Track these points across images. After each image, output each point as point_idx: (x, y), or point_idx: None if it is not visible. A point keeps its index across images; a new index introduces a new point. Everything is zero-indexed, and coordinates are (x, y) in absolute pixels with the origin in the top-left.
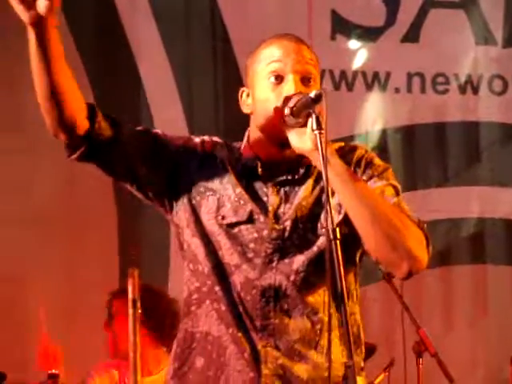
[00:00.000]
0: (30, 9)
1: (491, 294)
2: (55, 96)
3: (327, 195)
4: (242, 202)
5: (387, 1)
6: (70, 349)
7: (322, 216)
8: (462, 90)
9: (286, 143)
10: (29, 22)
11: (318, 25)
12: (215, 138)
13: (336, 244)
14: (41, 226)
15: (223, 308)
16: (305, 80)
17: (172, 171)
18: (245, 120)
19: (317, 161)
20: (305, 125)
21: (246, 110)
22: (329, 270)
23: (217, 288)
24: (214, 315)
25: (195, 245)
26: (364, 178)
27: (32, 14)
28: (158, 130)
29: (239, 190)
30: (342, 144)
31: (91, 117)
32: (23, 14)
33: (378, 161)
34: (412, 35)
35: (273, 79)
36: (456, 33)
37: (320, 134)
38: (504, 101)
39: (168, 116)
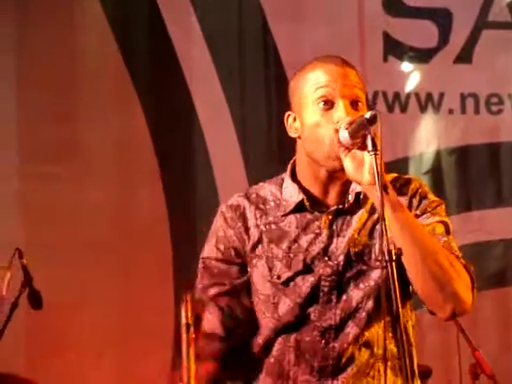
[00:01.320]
0: None
1: None
2: None
3: (383, 225)
4: (292, 254)
5: (439, 22)
6: (126, 374)
7: (377, 247)
8: None
9: (337, 169)
10: None
11: (370, 47)
12: (234, 202)
13: (392, 266)
14: (95, 252)
15: (272, 360)
16: (354, 104)
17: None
18: (297, 142)
19: (373, 194)
20: (361, 146)
21: (292, 134)
22: (384, 298)
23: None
24: (262, 376)
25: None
26: (417, 212)
27: None
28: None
29: (286, 244)
30: (396, 175)
31: None
32: None
33: (431, 196)
34: (465, 56)
35: (322, 105)
36: (509, 53)
37: (376, 155)
38: None
39: (221, 142)
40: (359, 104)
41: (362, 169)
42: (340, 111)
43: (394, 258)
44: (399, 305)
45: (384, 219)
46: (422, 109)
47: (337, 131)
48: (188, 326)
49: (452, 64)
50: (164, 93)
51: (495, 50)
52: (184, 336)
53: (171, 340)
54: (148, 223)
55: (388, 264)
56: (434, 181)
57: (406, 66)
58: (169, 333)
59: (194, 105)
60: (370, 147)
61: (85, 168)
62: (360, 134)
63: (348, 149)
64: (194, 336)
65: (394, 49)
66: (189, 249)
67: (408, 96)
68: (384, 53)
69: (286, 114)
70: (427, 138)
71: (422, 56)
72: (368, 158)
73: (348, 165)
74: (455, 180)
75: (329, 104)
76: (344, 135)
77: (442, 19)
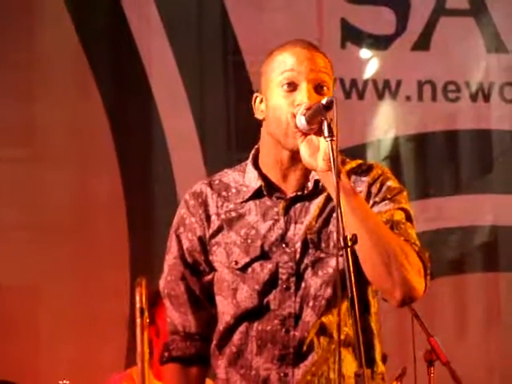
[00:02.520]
0: None
1: (504, 301)
2: None
3: (339, 210)
4: (249, 240)
5: (397, 9)
6: (81, 358)
7: (335, 235)
8: (473, 97)
9: (297, 151)
10: None
11: (328, 33)
12: (197, 189)
13: (347, 252)
14: (51, 235)
15: (234, 350)
16: (318, 88)
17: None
18: (256, 130)
19: (327, 181)
20: (318, 131)
21: (259, 115)
22: (339, 285)
23: (231, 334)
24: (224, 360)
25: (218, 302)
26: (376, 199)
27: None
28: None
29: (244, 230)
30: (359, 161)
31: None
32: None
33: (392, 183)
34: (422, 43)
35: (286, 87)
36: (467, 41)
37: (331, 141)
38: None
39: (179, 128)
40: (324, 88)
41: (317, 155)
42: (302, 94)
43: (349, 244)
44: (354, 291)
45: (340, 205)
46: (380, 96)
47: (294, 116)
48: (142, 310)
49: (410, 51)
50: (122, 79)
51: (453, 38)
52: (138, 320)
53: (127, 325)
54: (105, 207)
55: (343, 250)
56: (392, 167)
57: (364, 53)
58: (125, 318)
59: (152, 91)
60: (325, 133)
61: (42, 151)
62: (317, 119)
63: (305, 134)
64: (147, 320)
65: (352, 35)
66: (145, 233)
67: (365, 83)
68: (342, 39)
69: (254, 95)
70: (385, 124)
71: (379, 43)
72: (323, 144)
73: (304, 150)
74: (413, 167)
75: (292, 86)
76: (301, 121)
77: (400, 6)
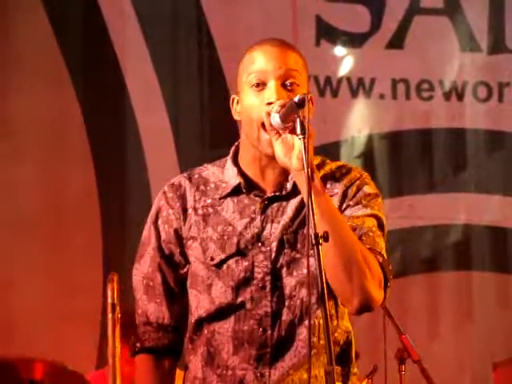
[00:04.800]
0: None
1: (476, 300)
2: None
3: (309, 211)
4: (226, 237)
5: (372, 7)
6: (54, 353)
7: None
8: (447, 96)
9: (269, 155)
10: None
11: (302, 30)
12: (176, 181)
13: (318, 250)
14: (25, 229)
15: (211, 350)
16: (286, 85)
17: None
18: (230, 127)
19: (300, 180)
20: (292, 130)
21: (236, 117)
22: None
23: (205, 332)
24: (200, 358)
25: (191, 295)
26: (351, 202)
27: None
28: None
29: (220, 227)
30: (341, 164)
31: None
32: None
33: (369, 188)
34: (397, 42)
35: (255, 87)
36: (441, 39)
37: (304, 139)
38: (489, 108)
39: (153, 124)
40: (294, 86)
41: (291, 154)
42: (270, 91)
43: (320, 242)
44: (325, 290)
45: (312, 204)
46: (354, 93)
47: (269, 114)
48: (114, 306)
49: (384, 49)
50: (96, 73)
51: (427, 36)
52: (109, 316)
53: (99, 320)
54: (79, 203)
55: (314, 247)
56: (366, 165)
57: (339, 51)
58: (97, 313)
59: (126, 86)
60: (298, 130)
61: (16, 145)
62: (291, 117)
63: (279, 133)
64: (119, 316)
65: (327, 33)
66: (119, 230)
67: (339, 80)
68: (316, 37)
69: (232, 97)
70: (359, 122)
71: (354, 41)
72: (298, 142)
73: (278, 150)
74: (387, 165)
75: (261, 86)
76: (275, 119)
77: (375, 4)
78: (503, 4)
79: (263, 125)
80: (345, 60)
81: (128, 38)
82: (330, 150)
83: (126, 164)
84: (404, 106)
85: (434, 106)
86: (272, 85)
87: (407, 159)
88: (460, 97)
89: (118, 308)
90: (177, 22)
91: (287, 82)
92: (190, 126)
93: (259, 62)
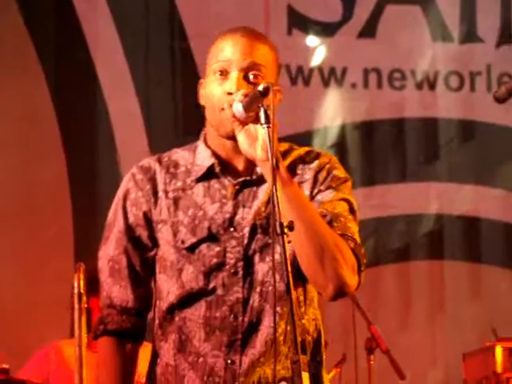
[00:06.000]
0: None
1: (448, 289)
2: None
3: (273, 199)
4: (197, 221)
5: None
6: (23, 342)
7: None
8: (419, 86)
9: (230, 137)
10: None
11: (274, 20)
12: (146, 164)
13: (283, 239)
14: None
15: (182, 337)
16: (250, 76)
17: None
18: (203, 113)
19: (266, 170)
20: (255, 119)
21: (201, 102)
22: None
23: (177, 319)
24: (172, 345)
25: (161, 280)
26: (322, 187)
27: None
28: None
29: (191, 210)
30: (309, 149)
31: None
32: None
33: (338, 172)
34: (368, 31)
35: (218, 75)
36: (412, 29)
37: (268, 128)
38: (460, 97)
39: (124, 113)
40: (258, 78)
41: (256, 144)
42: (231, 82)
43: (285, 231)
44: (290, 278)
45: (276, 192)
46: (326, 83)
47: (231, 105)
48: (80, 295)
49: (356, 38)
50: (68, 64)
51: (399, 26)
52: (76, 305)
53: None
54: (50, 192)
55: (279, 237)
56: (339, 155)
57: (310, 40)
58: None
59: (98, 76)
60: (262, 120)
61: None
62: (254, 107)
63: (242, 123)
64: (86, 305)
65: (299, 22)
66: (90, 219)
67: (311, 70)
68: (288, 26)
69: (200, 81)
70: (331, 112)
71: (326, 30)
72: (262, 133)
73: (242, 140)
74: (359, 154)
75: (224, 74)
76: (238, 108)
77: None
78: None
79: (223, 109)
80: (316, 49)
81: (99, 27)
82: (302, 140)
83: (97, 152)
84: (376, 95)
85: (406, 95)
86: (234, 76)
87: (379, 149)
88: (432, 86)
89: (84, 297)
90: (148, 10)
91: (250, 75)
92: (162, 114)
93: (226, 50)
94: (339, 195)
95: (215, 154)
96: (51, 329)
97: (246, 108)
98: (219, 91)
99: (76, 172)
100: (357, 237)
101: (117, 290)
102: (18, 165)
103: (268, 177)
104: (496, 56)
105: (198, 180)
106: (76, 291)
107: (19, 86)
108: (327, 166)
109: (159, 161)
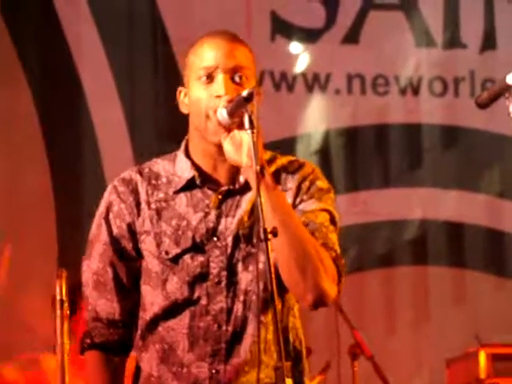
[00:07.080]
0: None
1: (433, 295)
2: None
3: (258, 208)
4: (180, 231)
5: (326, 2)
6: (7, 348)
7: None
8: (403, 91)
9: (220, 144)
10: None
11: (257, 26)
12: (127, 176)
13: (267, 245)
14: None
15: (166, 347)
16: (236, 78)
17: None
18: (186, 120)
19: (250, 177)
20: (240, 125)
21: (183, 109)
22: (258, 280)
23: (160, 329)
24: (155, 356)
25: (145, 291)
26: (304, 197)
27: None
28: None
29: (175, 221)
30: (292, 158)
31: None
32: None
33: (321, 183)
34: (352, 37)
35: (204, 79)
36: (396, 35)
37: (253, 133)
38: (444, 103)
39: (108, 119)
40: (243, 78)
41: (241, 151)
42: (218, 85)
43: (268, 237)
44: (274, 286)
45: (260, 198)
46: (309, 89)
47: (215, 112)
48: (62, 302)
49: (339, 44)
50: (51, 70)
51: (382, 32)
52: (58, 312)
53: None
54: (33, 200)
55: (263, 243)
56: (322, 161)
57: (294, 46)
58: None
59: (81, 82)
60: (246, 125)
61: None
62: (238, 112)
63: (228, 130)
64: (67, 312)
65: (282, 28)
66: (74, 226)
67: (295, 76)
68: (271, 32)
69: (178, 89)
70: (315, 118)
71: (309, 36)
72: (246, 138)
73: (227, 147)
74: (343, 160)
75: (210, 78)
76: (223, 114)
77: None
78: None
79: (209, 116)
80: (300, 55)
81: (82, 33)
82: (286, 146)
83: (81, 159)
84: (360, 101)
85: (389, 101)
86: (220, 78)
87: (363, 154)
88: (415, 92)
89: (65, 304)
90: (132, 16)
91: (236, 76)
92: (146, 121)
93: (208, 55)
94: (321, 205)
95: (195, 165)
96: (35, 337)
97: (231, 114)
98: (206, 95)
99: (60, 179)
100: (337, 247)
101: (103, 303)
102: (2, 173)
103: (253, 183)
104: (479, 62)
105: (180, 190)
106: (58, 298)
107: (3, 94)
108: (310, 176)
109: (140, 172)
